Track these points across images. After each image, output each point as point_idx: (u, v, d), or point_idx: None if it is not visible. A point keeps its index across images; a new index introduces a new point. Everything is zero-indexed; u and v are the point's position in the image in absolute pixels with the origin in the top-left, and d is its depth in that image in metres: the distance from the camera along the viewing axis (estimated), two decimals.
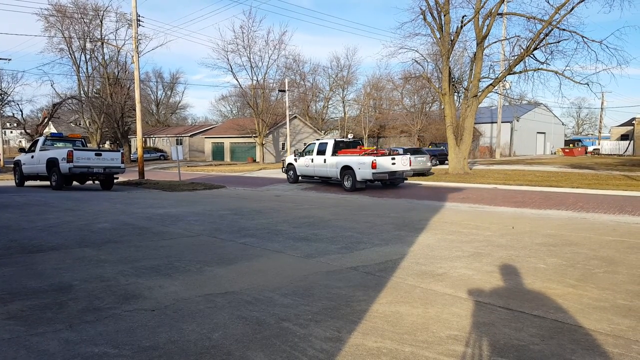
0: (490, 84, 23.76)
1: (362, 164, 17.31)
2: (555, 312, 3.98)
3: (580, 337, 3.46)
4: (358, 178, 17.39)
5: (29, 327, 3.61)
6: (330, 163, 18.96)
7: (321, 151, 19.66)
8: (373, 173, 16.92)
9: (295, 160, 21.46)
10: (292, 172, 21.70)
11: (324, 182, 20.47)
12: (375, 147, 20.20)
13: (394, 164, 17.57)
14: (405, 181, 19.52)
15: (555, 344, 3.32)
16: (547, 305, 4.18)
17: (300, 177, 21.48)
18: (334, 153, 19.07)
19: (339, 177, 18.38)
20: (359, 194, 16.39)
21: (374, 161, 16.93)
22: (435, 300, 4.32)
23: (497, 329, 3.60)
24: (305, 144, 53.68)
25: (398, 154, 18.53)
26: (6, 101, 48.43)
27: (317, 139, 21.88)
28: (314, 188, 19.13)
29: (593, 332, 3.55)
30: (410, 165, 18.33)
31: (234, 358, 3.08)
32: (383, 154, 18.00)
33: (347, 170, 17.92)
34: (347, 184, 17.85)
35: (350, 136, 21.11)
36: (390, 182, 18.52)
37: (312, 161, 20.11)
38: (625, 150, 54.35)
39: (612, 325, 3.69)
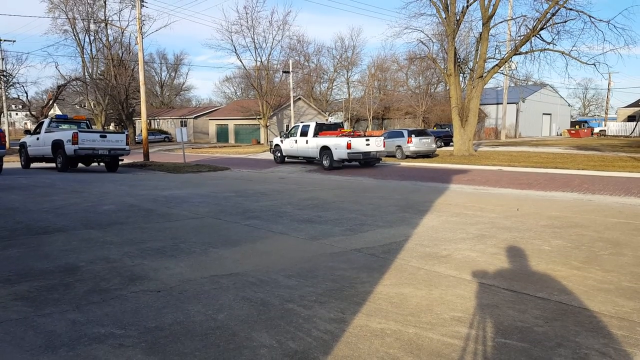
0: (496, 65, 23.52)
1: (338, 145, 18.74)
2: (560, 294, 3.98)
3: (585, 319, 3.46)
4: (335, 157, 18.82)
5: (36, 307, 3.65)
6: (311, 144, 20.37)
7: (304, 133, 21.00)
8: (348, 153, 18.40)
9: (282, 141, 22.72)
10: (278, 152, 22.99)
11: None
12: (352, 130, 21.95)
13: (368, 145, 19.03)
14: (380, 161, 21.01)
15: (559, 325, 3.33)
16: (552, 287, 4.18)
17: (286, 158, 22.73)
18: (315, 134, 20.38)
19: (318, 156, 19.78)
20: (363, 177, 16.38)
21: (349, 142, 18.38)
22: (439, 282, 4.33)
23: (501, 310, 3.61)
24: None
25: (372, 136, 20.06)
26: (11, 83, 48.36)
27: (301, 122, 23.30)
28: (318, 170, 19.16)
29: (597, 314, 3.56)
30: (384, 147, 19.79)
31: (239, 339, 3.10)
32: (358, 136, 19.61)
33: (325, 150, 19.34)
34: (326, 163, 19.25)
35: (331, 119, 22.26)
36: (365, 162, 19.81)
37: (296, 142, 21.41)
38: (632, 132, 53.78)
39: (616, 307, 3.69)
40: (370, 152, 19.04)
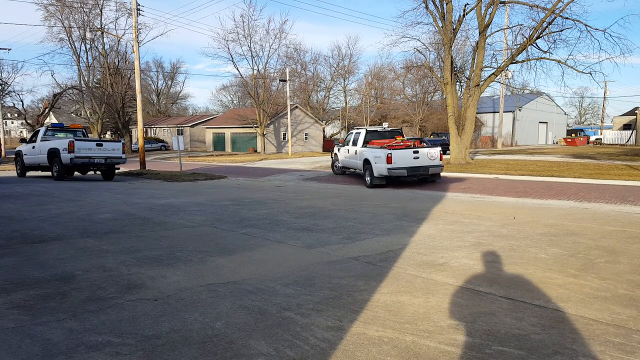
0: (493, 74, 23.64)
1: (377, 158, 15.05)
2: (556, 302, 3.99)
3: (581, 326, 3.47)
4: (375, 173, 15.17)
5: (32, 316, 3.63)
6: (358, 155, 16.99)
7: (355, 142, 17.83)
8: (389, 169, 14.54)
9: (339, 150, 19.84)
10: (337, 162, 20.05)
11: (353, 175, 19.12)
12: (402, 138, 17.45)
13: (416, 158, 14.93)
14: (439, 178, 16.25)
15: (556, 333, 3.34)
16: (548, 294, 4.19)
17: (345, 170, 19.72)
18: (365, 144, 17.13)
19: (362, 170, 16.53)
20: (360, 185, 16.36)
21: (389, 155, 14.52)
22: (436, 290, 4.34)
23: (498, 318, 3.62)
24: (306, 134, 53.67)
25: (423, 147, 15.84)
26: (7, 91, 48.33)
27: (356, 128, 19.08)
28: (316, 179, 19.14)
29: (594, 321, 3.57)
30: (441, 159, 15.40)
31: (236, 347, 3.10)
32: (407, 147, 15.58)
33: (367, 164, 15.79)
34: (367, 179, 15.73)
35: (385, 125, 18.74)
36: (414, 179, 15.58)
37: (348, 152, 18.41)
38: (628, 140, 54.17)
39: (613, 315, 3.71)
40: (420, 167, 14.88)
